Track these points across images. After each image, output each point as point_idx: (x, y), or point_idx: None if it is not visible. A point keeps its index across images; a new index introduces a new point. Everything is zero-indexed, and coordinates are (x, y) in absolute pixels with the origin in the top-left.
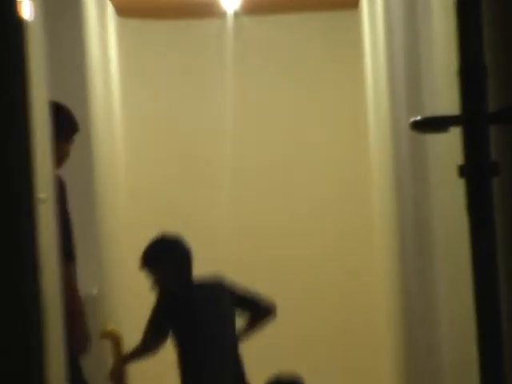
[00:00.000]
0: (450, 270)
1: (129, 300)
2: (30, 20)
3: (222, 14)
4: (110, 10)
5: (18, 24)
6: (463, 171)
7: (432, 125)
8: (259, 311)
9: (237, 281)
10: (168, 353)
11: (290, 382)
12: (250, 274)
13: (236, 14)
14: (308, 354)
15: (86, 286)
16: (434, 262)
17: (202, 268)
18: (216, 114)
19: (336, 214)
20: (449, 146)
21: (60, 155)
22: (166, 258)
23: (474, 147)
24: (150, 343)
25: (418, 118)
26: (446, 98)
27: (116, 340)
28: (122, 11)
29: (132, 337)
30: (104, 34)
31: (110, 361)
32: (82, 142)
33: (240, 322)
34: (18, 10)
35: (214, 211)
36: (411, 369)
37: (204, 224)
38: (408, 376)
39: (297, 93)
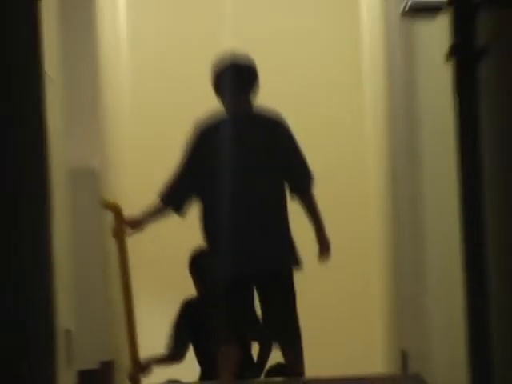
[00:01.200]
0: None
1: (127, 175)
2: None
3: None
4: None
5: None
6: (451, 53)
7: (422, 11)
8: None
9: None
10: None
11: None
12: None
13: None
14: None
15: (88, 160)
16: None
17: None
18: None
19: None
20: (436, 36)
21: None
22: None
23: (461, 31)
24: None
25: (408, 3)
26: None
27: (117, 210)
28: None
29: (130, 208)
30: None
31: (111, 226)
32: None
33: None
34: None
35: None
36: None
37: None
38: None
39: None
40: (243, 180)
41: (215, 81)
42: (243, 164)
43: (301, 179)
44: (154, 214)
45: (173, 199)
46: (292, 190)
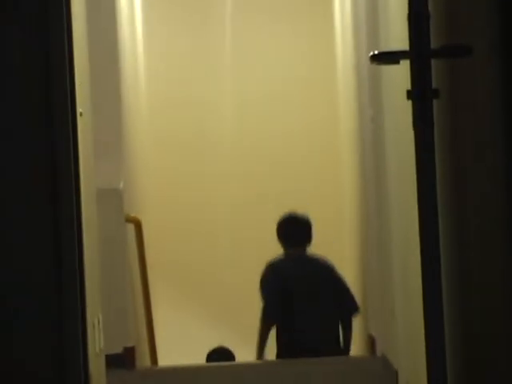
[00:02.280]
0: (398, 169)
1: (146, 193)
2: None
3: None
4: None
5: None
6: (410, 95)
7: (387, 58)
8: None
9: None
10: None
11: (300, 219)
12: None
13: None
14: None
15: (114, 181)
16: (385, 159)
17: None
18: (217, 49)
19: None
20: (400, 75)
21: None
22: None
23: (419, 76)
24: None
25: (376, 52)
26: (398, 37)
27: (137, 223)
28: None
29: (149, 222)
30: None
31: (132, 242)
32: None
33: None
34: None
35: (218, 125)
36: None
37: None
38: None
39: (279, 30)
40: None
41: (279, 231)
42: (309, 294)
43: (350, 313)
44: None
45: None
46: (342, 320)
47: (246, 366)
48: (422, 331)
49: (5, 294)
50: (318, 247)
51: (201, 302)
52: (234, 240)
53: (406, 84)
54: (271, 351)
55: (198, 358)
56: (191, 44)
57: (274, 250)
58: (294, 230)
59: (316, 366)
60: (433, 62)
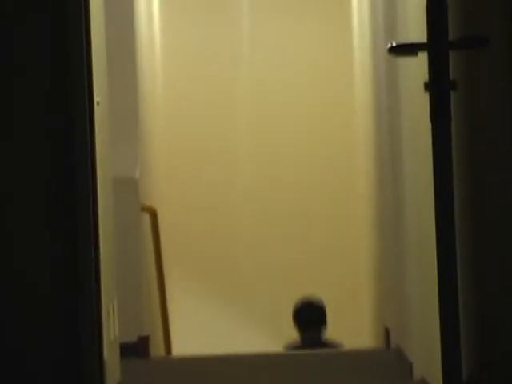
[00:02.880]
0: (414, 157)
1: (162, 181)
2: None
3: None
4: None
5: None
6: (428, 87)
7: (404, 50)
8: None
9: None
10: None
11: (315, 304)
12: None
13: None
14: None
15: (130, 170)
16: (402, 151)
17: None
18: (234, 41)
19: (323, 118)
20: (417, 67)
21: None
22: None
23: (437, 68)
24: None
25: (394, 44)
26: (416, 29)
27: (153, 212)
28: None
29: (164, 211)
30: None
31: (148, 231)
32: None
33: None
34: None
35: (234, 112)
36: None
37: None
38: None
39: (294, 25)
40: None
41: (295, 316)
42: None
43: None
44: None
45: None
46: None
47: (261, 357)
48: (437, 323)
49: (20, 283)
50: (333, 240)
51: (216, 292)
52: (251, 228)
53: (423, 76)
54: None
55: (213, 348)
56: (208, 33)
57: (292, 237)
58: (309, 314)
59: (330, 358)
60: (450, 53)
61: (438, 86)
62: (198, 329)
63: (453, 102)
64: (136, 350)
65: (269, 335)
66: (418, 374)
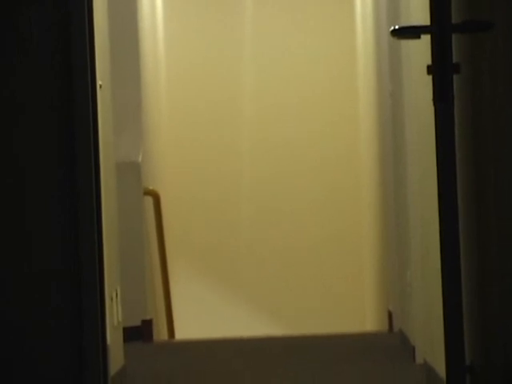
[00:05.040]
0: (418, 139)
1: (165, 166)
2: None
3: None
4: None
5: None
6: (431, 70)
7: (407, 32)
8: None
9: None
10: None
11: None
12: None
13: None
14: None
15: (133, 155)
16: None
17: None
18: (237, 38)
19: (327, 105)
20: (419, 50)
21: None
22: None
23: (440, 51)
24: None
25: (396, 26)
26: (418, 12)
27: (156, 196)
28: None
29: (167, 195)
30: None
31: (151, 215)
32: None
33: None
34: None
35: (237, 98)
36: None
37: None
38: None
39: (297, 12)
40: None
41: None
42: None
43: None
44: None
45: None
46: None
47: (264, 340)
48: (440, 307)
49: (22, 270)
50: (338, 226)
51: (218, 276)
52: (253, 214)
53: (426, 59)
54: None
55: (215, 332)
56: (210, 24)
57: (296, 226)
58: None
59: (333, 341)
60: (453, 36)
61: (440, 69)
62: (200, 312)
63: (456, 85)
64: (140, 333)
65: (270, 319)
66: (420, 358)
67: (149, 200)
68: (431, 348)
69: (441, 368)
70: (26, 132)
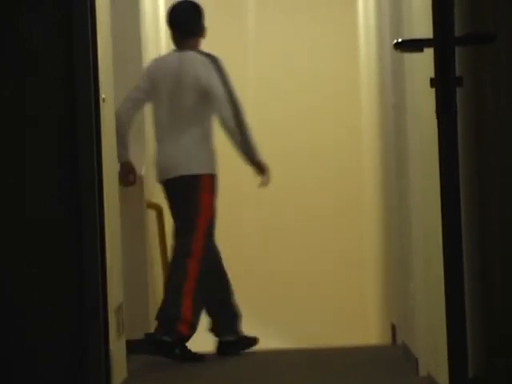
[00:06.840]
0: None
1: None
2: None
3: None
4: None
5: None
6: (434, 82)
7: (410, 45)
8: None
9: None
10: None
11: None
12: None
13: None
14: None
15: (136, 167)
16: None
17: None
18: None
19: (331, 112)
20: (422, 63)
21: None
22: None
23: (443, 64)
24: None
25: (400, 40)
26: (421, 25)
27: (159, 209)
28: None
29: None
30: None
31: (153, 228)
32: None
33: None
34: None
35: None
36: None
37: None
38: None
39: (300, 23)
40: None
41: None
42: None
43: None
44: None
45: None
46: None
47: (266, 353)
48: (444, 320)
49: (27, 283)
50: (339, 237)
51: None
52: (256, 227)
53: (429, 71)
54: None
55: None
56: (213, 28)
57: (298, 238)
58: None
59: (337, 354)
60: (456, 49)
61: (443, 82)
62: (203, 326)
63: (458, 97)
64: (143, 347)
65: (274, 332)
66: (424, 370)
67: (152, 213)
68: (435, 360)
69: (444, 381)
70: (30, 143)
